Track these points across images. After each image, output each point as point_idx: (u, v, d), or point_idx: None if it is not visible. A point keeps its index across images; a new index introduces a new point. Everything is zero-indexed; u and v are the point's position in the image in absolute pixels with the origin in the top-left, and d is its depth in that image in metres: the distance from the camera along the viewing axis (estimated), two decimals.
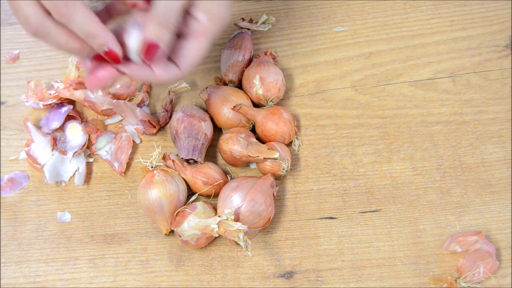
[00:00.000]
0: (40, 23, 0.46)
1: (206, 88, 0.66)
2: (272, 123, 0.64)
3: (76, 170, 0.65)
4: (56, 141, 0.65)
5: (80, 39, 0.48)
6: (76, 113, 0.67)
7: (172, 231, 0.61)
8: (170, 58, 0.52)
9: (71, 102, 0.68)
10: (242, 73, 0.68)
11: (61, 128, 0.66)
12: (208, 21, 0.51)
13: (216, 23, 0.52)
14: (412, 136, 0.67)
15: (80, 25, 0.46)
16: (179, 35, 0.52)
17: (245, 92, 0.67)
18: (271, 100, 0.66)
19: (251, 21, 0.71)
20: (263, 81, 0.65)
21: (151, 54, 0.50)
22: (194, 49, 0.52)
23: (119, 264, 0.61)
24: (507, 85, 0.70)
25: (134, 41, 0.50)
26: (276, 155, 0.60)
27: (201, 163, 0.63)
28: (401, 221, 0.63)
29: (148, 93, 0.69)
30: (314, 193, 0.65)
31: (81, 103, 0.66)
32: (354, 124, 0.68)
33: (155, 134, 0.67)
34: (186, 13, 0.51)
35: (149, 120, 0.66)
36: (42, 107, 0.66)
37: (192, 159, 0.62)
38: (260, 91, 0.65)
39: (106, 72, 0.51)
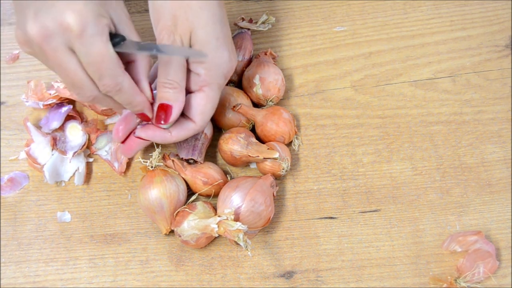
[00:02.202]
0: (94, 96, 0.51)
1: None
2: (272, 123, 0.64)
3: (76, 170, 0.65)
4: (56, 141, 0.65)
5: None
6: (76, 113, 0.67)
7: (172, 231, 0.61)
8: (185, 115, 0.57)
9: (71, 102, 0.68)
10: (242, 73, 0.68)
11: (61, 128, 0.66)
12: (206, 71, 0.55)
13: (215, 72, 0.55)
14: (412, 136, 0.67)
15: (123, 99, 0.52)
16: (190, 92, 0.56)
17: (245, 92, 0.67)
18: (271, 100, 0.66)
19: (251, 21, 0.71)
20: (263, 81, 0.65)
21: (166, 115, 0.54)
22: (202, 100, 0.55)
23: (119, 264, 0.61)
24: (507, 85, 0.70)
25: None
26: (276, 155, 0.60)
27: (201, 163, 0.63)
28: (401, 221, 0.63)
29: None
30: (314, 193, 0.65)
31: (81, 103, 0.66)
32: (354, 124, 0.68)
33: None
34: (190, 71, 0.55)
35: None
36: (42, 107, 0.66)
37: (192, 159, 0.62)
38: (260, 91, 0.65)
39: (134, 141, 0.58)
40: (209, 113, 0.57)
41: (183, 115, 0.56)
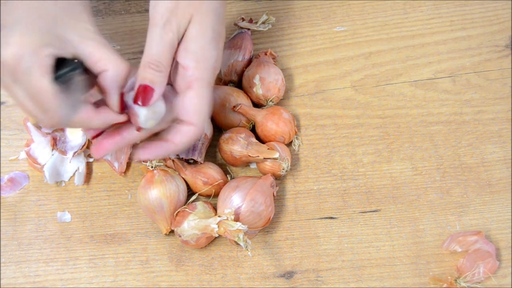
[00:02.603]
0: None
1: None
2: (272, 123, 0.64)
3: (76, 170, 0.65)
4: (56, 141, 0.64)
5: None
6: None
7: (172, 231, 0.61)
8: (181, 120, 0.53)
9: None
10: (242, 73, 0.68)
11: (61, 128, 0.66)
12: (195, 63, 0.52)
13: (204, 65, 0.52)
14: (412, 136, 0.67)
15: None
16: (178, 91, 0.53)
17: (245, 92, 0.67)
18: (271, 100, 0.66)
19: (251, 21, 0.71)
20: (263, 81, 0.65)
21: (146, 97, 0.50)
22: (194, 98, 0.52)
23: (119, 264, 0.61)
24: (507, 85, 0.70)
25: (143, 113, 0.51)
26: (276, 155, 0.60)
27: (201, 163, 0.63)
28: (401, 221, 0.63)
29: None
30: (314, 193, 0.65)
31: None
32: (354, 124, 0.68)
33: None
34: (178, 64, 0.52)
35: None
36: None
37: (192, 159, 0.62)
38: (260, 91, 0.65)
39: (107, 141, 0.53)
40: (206, 111, 0.53)
41: (179, 120, 0.53)
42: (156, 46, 0.51)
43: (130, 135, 0.52)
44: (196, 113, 0.52)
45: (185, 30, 0.52)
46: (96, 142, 0.53)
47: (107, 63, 0.48)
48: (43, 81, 0.46)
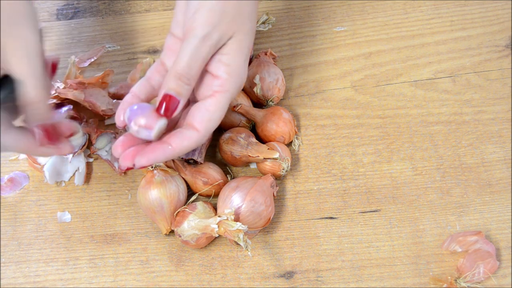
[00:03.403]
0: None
1: None
2: (272, 123, 0.64)
3: (76, 170, 0.65)
4: None
5: None
6: (76, 113, 0.67)
7: (172, 231, 0.61)
8: (186, 124, 0.52)
9: (71, 102, 0.67)
10: None
11: None
12: (228, 76, 0.51)
13: (235, 79, 0.52)
14: (412, 136, 0.67)
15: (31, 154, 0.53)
16: (194, 100, 0.53)
17: (245, 92, 0.67)
18: (271, 100, 0.66)
19: None
20: (263, 81, 0.65)
21: (170, 108, 0.50)
22: (212, 106, 0.51)
23: (119, 264, 0.61)
24: (507, 85, 0.70)
25: (140, 121, 0.50)
26: (276, 155, 0.60)
27: (201, 163, 0.63)
28: (401, 221, 0.63)
29: None
30: (314, 193, 0.65)
31: (81, 103, 0.66)
32: (354, 124, 0.68)
33: None
34: (206, 72, 0.52)
35: None
36: None
37: (192, 159, 0.62)
38: (260, 91, 0.65)
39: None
40: (216, 122, 0.52)
41: (185, 124, 0.53)
42: (190, 58, 0.50)
43: (142, 159, 0.51)
44: (206, 121, 0.51)
45: (223, 45, 0.51)
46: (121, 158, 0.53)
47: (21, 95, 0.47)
48: None
